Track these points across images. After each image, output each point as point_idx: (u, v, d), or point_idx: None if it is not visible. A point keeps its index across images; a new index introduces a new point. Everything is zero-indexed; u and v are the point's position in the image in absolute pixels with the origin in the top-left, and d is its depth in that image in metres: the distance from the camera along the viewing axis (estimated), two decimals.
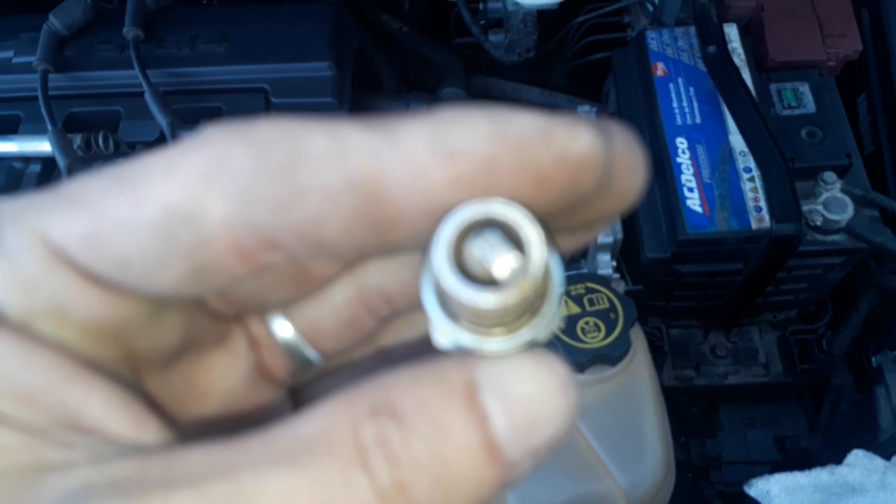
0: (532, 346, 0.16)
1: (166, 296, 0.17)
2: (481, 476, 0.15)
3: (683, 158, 0.87)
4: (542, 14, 1.06)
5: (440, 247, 0.15)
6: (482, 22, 1.10)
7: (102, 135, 0.82)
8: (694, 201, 0.84)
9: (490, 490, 0.15)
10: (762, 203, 0.83)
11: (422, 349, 0.22)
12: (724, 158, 0.87)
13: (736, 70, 0.89)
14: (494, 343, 0.16)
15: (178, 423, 0.19)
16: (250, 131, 0.16)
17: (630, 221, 0.90)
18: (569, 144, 0.15)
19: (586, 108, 0.95)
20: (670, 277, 0.91)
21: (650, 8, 1.06)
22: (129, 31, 0.87)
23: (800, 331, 1.01)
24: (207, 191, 0.15)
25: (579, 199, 0.16)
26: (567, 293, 0.70)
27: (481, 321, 0.16)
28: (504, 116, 0.15)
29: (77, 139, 0.82)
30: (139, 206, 0.16)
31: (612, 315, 0.69)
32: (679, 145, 0.88)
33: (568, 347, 0.67)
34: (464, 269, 0.15)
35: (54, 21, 0.89)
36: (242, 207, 0.15)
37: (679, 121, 0.90)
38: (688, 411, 1.10)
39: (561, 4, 0.97)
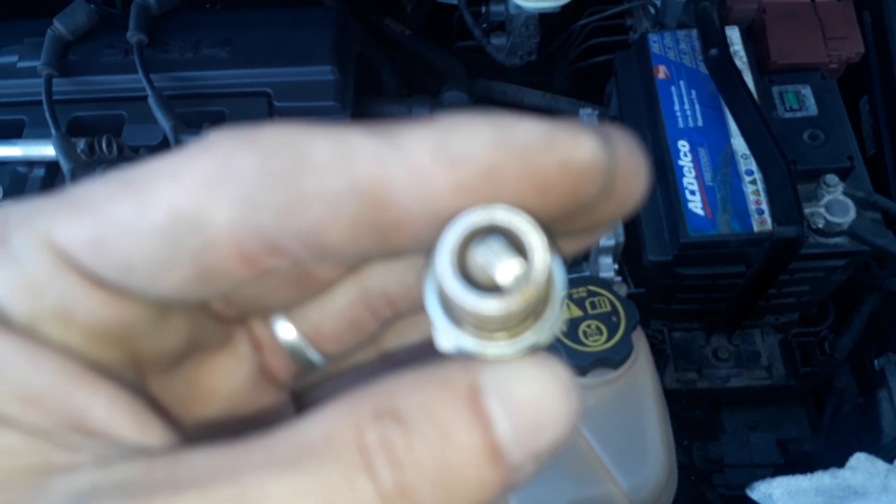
0: (535, 350, 0.16)
1: (171, 299, 0.17)
2: (484, 479, 0.15)
3: (685, 161, 0.87)
4: (544, 17, 1.06)
5: (444, 253, 0.15)
6: (484, 25, 1.10)
7: (106, 139, 0.82)
8: (696, 204, 0.84)
9: (493, 493, 0.15)
10: (764, 206, 0.83)
11: (425, 352, 0.22)
12: (725, 161, 0.87)
13: (738, 73, 0.89)
14: (497, 347, 0.16)
15: (182, 425, 0.19)
16: (255, 137, 0.16)
17: (632, 224, 0.90)
18: (571, 151, 0.15)
19: (588, 110, 0.95)
20: (672, 280, 0.91)
21: (652, 11, 1.06)
22: (132, 36, 0.87)
23: (802, 333, 1.00)
24: (212, 196, 0.16)
25: (582, 205, 0.16)
26: (569, 296, 0.70)
27: (484, 326, 0.16)
28: (507, 123, 0.15)
29: (81, 143, 0.82)
30: (144, 210, 0.16)
31: (614, 318, 0.69)
32: (681, 148, 0.88)
33: (570, 351, 0.67)
34: (467, 275, 0.16)
35: (58, 26, 0.89)
36: (246, 212, 0.16)
37: (681, 123, 0.90)
38: (690, 414, 1.10)
39: (563, 7, 0.97)
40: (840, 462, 0.71)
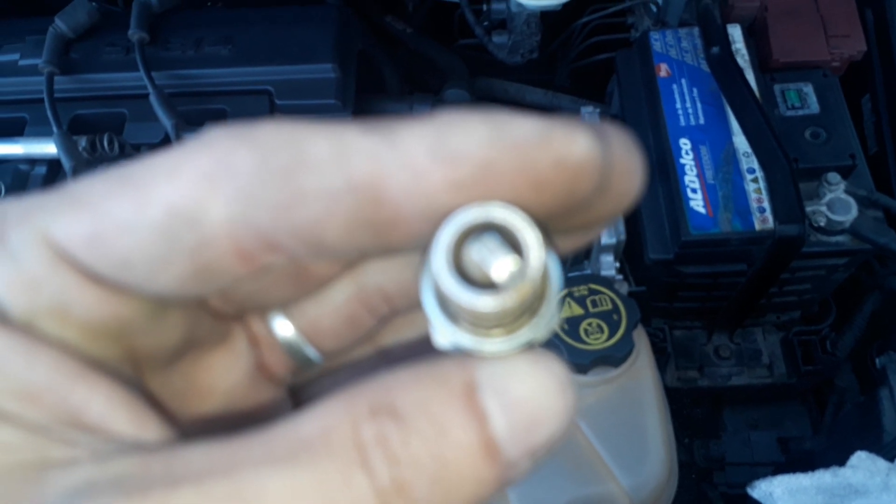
0: (531, 346, 0.16)
1: (168, 296, 0.17)
2: (480, 475, 0.15)
3: (687, 159, 0.87)
4: (545, 15, 1.06)
5: (439, 250, 0.15)
6: (486, 23, 1.10)
7: (107, 137, 0.82)
8: (697, 202, 0.84)
9: (489, 489, 0.15)
10: (766, 204, 0.83)
11: (421, 349, 0.22)
12: (727, 159, 0.87)
13: (739, 71, 0.89)
14: (493, 344, 0.16)
15: (179, 421, 0.19)
16: (253, 134, 0.16)
17: (633, 222, 0.90)
18: (567, 149, 0.15)
19: (590, 109, 0.95)
20: (673, 278, 0.91)
21: (654, 9, 1.06)
22: (134, 34, 0.87)
23: (803, 332, 1.00)
24: (210, 193, 0.16)
25: (578, 202, 0.16)
26: (570, 294, 0.70)
27: (480, 323, 0.16)
28: (503, 121, 0.15)
29: (82, 141, 0.82)
30: (142, 207, 0.16)
31: (615, 316, 0.69)
32: (682, 146, 0.88)
33: (571, 349, 0.67)
34: (463, 272, 0.16)
35: (60, 24, 0.89)
36: (244, 209, 0.16)
37: (682, 122, 0.90)
38: (691, 412, 1.10)
39: (564, 5, 0.97)
40: (841, 460, 0.71)
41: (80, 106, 0.89)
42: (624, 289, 0.80)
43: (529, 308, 0.16)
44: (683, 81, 0.93)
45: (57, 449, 0.16)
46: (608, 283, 0.71)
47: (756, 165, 0.85)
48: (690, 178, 0.86)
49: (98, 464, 0.15)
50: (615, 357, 0.68)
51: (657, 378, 0.73)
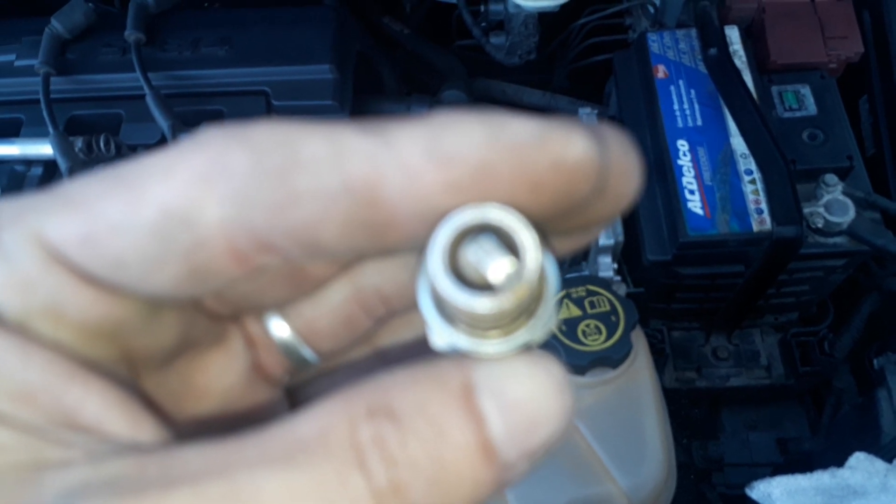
0: (528, 348, 0.16)
1: (163, 296, 0.17)
2: (477, 477, 0.15)
3: (684, 160, 0.87)
4: (543, 16, 1.06)
5: (436, 252, 0.15)
6: (483, 24, 1.10)
7: (104, 138, 0.82)
8: (695, 203, 0.84)
9: (486, 491, 0.15)
10: (763, 205, 0.83)
11: (418, 350, 0.22)
12: (725, 160, 0.87)
13: (737, 72, 0.89)
14: (491, 345, 0.16)
15: (174, 422, 0.19)
16: (247, 134, 0.16)
17: (631, 223, 0.90)
18: (564, 150, 0.15)
19: (587, 110, 0.95)
20: (671, 280, 0.91)
21: (651, 10, 1.06)
22: (130, 35, 0.87)
23: (801, 333, 1.00)
24: (204, 193, 0.15)
25: (575, 204, 0.16)
26: (568, 296, 0.70)
27: (477, 324, 0.16)
28: (499, 122, 0.15)
29: (78, 142, 0.82)
30: (135, 207, 0.16)
31: (613, 317, 0.69)
32: (680, 147, 0.88)
33: (569, 350, 0.67)
34: (459, 273, 0.16)
35: (56, 24, 0.89)
36: (239, 210, 0.16)
37: (680, 123, 0.90)
38: (689, 413, 1.10)
39: (562, 6, 0.97)
40: (839, 461, 0.71)
41: (77, 107, 0.89)
42: (622, 290, 0.80)
43: (526, 310, 0.16)
44: (681, 83, 0.93)
45: (52, 450, 0.16)
46: (606, 284, 0.71)
47: (754, 167, 0.85)
48: (688, 180, 0.86)
49: (93, 465, 0.15)
50: (613, 358, 0.68)
51: (655, 379, 0.73)
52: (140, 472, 0.15)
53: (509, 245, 0.15)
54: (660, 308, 1.00)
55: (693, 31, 0.97)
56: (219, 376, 0.21)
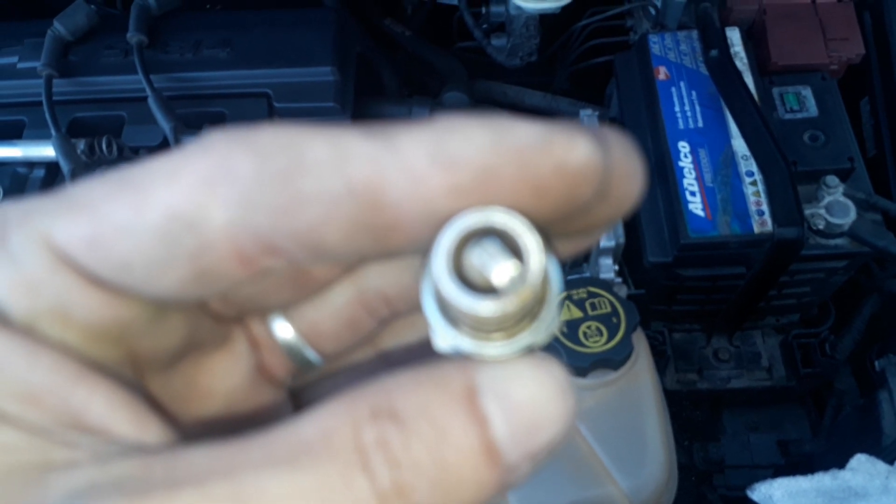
0: (531, 350, 0.16)
1: (168, 299, 0.17)
2: (480, 479, 0.15)
3: (686, 162, 0.87)
4: (544, 18, 1.07)
5: (440, 255, 0.16)
6: (484, 26, 1.10)
7: (106, 140, 0.82)
8: (696, 205, 0.84)
9: (489, 492, 0.15)
10: (764, 207, 0.83)
11: (422, 352, 0.22)
12: (726, 162, 0.87)
13: (738, 74, 0.89)
14: (494, 348, 0.16)
15: (180, 423, 0.19)
16: (252, 138, 0.16)
17: (632, 225, 0.90)
18: (567, 154, 0.15)
19: (588, 111, 0.95)
20: (672, 281, 0.91)
21: (653, 12, 1.06)
22: (132, 37, 0.87)
23: (803, 335, 1.00)
24: (209, 196, 0.16)
25: (578, 207, 0.16)
26: (569, 297, 0.70)
27: (481, 327, 0.16)
28: (503, 126, 0.15)
29: (81, 144, 0.82)
30: (141, 210, 0.16)
31: (615, 319, 0.69)
32: (681, 149, 0.88)
33: (570, 351, 0.67)
34: (463, 276, 0.16)
35: (59, 27, 0.89)
36: (243, 213, 0.16)
37: (681, 124, 0.90)
38: (691, 415, 1.10)
39: (563, 8, 0.97)
40: (840, 463, 0.71)
41: (79, 109, 0.89)
42: (623, 292, 0.80)
43: (530, 312, 0.16)
44: (682, 84, 0.93)
45: (58, 451, 0.16)
46: (607, 286, 0.71)
47: (755, 168, 0.85)
48: (689, 182, 0.86)
49: (99, 465, 0.16)
50: (614, 360, 0.68)
51: (656, 381, 0.73)
52: (146, 473, 0.15)
53: (513, 248, 0.16)
54: (661, 310, 1.00)
55: (694, 33, 0.97)
56: (223, 377, 0.21)
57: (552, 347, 0.68)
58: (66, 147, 0.81)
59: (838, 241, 0.86)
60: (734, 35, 0.95)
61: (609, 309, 0.69)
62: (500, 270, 0.15)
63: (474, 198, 0.15)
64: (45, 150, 0.84)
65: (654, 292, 0.95)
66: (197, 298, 0.18)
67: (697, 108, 0.91)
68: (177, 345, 0.19)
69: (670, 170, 0.87)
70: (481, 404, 0.15)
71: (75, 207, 0.16)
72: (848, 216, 0.84)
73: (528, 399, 0.15)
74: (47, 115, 0.82)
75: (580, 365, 0.67)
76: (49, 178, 0.87)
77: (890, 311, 0.99)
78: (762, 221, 0.83)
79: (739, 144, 0.87)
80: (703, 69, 0.93)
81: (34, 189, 0.87)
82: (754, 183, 0.85)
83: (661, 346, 1.01)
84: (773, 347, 1.04)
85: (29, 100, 0.88)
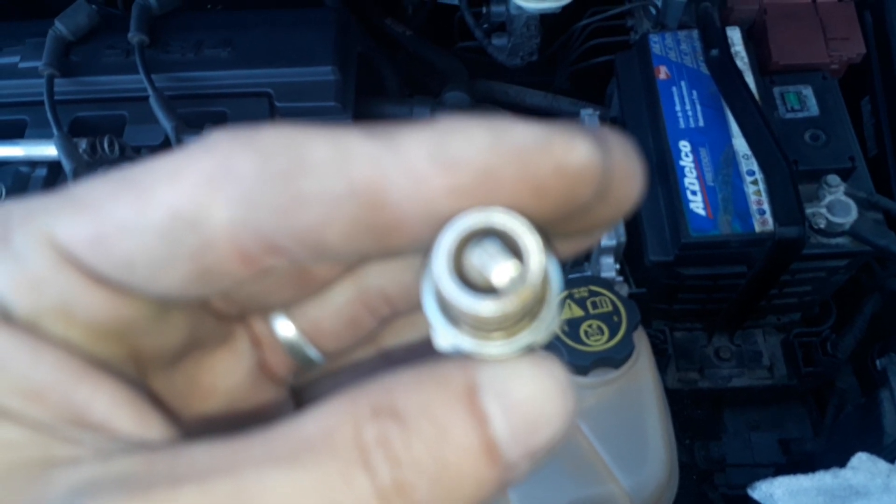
0: (531, 349, 0.16)
1: (171, 297, 0.17)
2: (481, 477, 0.15)
3: (686, 161, 0.87)
4: (544, 18, 1.07)
5: (440, 255, 0.16)
6: (485, 26, 1.10)
7: (108, 139, 0.82)
8: (697, 204, 0.85)
9: (489, 491, 0.16)
10: (765, 206, 0.83)
11: (423, 351, 0.22)
12: (727, 161, 0.87)
13: (739, 73, 0.89)
14: (494, 347, 0.16)
15: (182, 420, 0.19)
16: (254, 138, 0.16)
17: (633, 224, 0.90)
18: (567, 155, 0.15)
19: (589, 111, 0.95)
20: (674, 280, 0.91)
21: (653, 11, 1.06)
22: (134, 36, 0.87)
23: (804, 334, 1.00)
24: (211, 196, 0.16)
25: (578, 208, 0.16)
26: (570, 296, 0.70)
27: (481, 326, 0.16)
28: (503, 127, 0.15)
29: (82, 143, 0.82)
30: (144, 209, 0.16)
31: (616, 318, 0.69)
32: (682, 148, 0.88)
33: (571, 350, 0.67)
34: (464, 276, 0.16)
35: (60, 26, 0.89)
36: (246, 212, 0.16)
37: (682, 124, 0.90)
38: (692, 414, 1.10)
39: (564, 8, 0.97)
40: (842, 462, 0.71)
41: (81, 108, 0.89)
42: (624, 290, 0.80)
43: (530, 312, 0.16)
44: (683, 84, 0.93)
45: (61, 447, 0.16)
46: (608, 284, 0.71)
47: (756, 167, 0.85)
48: (690, 181, 0.86)
49: (101, 462, 0.16)
50: (615, 359, 0.68)
51: (657, 380, 0.73)
52: (148, 470, 0.15)
53: (513, 248, 0.16)
54: (662, 308, 1.00)
55: (695, 33, 0.97)
56: (225, 375, 0.21)
57: (553, 346, 0.68)
58: (67, 146, 0.81)
59: (839, 240, 0.86)
60: (735, 34, 0.95)
61: (610, 308, 0.69)
62: (501, 270, 0.16)
63: (475, 198, 0.15)
64: (47, 150, 0.84)
65: (655, 291, 0.95)
66: (199, 297, 0.18)
67: (698, 107, 0.91)
68: (179, 343, 0.19)
69: (671, 169, 0.87)
70: (482, 403, 0.15)
71: (78, 206, 0.16)
72: (849, 215, 0.84)
73: (528, 398, 0.16)
74: (49, 115, 0.82)
75: (581, 363, 0.67)
76: (51, 177, 0.87)
77: (891, 309, 0.99)
78: (763, 220, 0.83)
79: (740, 144, 0.87)
80: (704, 69, 0.93)
81: (36, 188, 0.87)
82: (755, 182, 0.85)
83: (663, 344, 1.01)
84: (774, 346, 1.04)
85: (31, 99, 0.88)
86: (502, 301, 0.15)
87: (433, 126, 0.15)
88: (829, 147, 0.89)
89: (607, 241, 0.83)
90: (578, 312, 0.69)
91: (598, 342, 0.68)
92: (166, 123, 0.83)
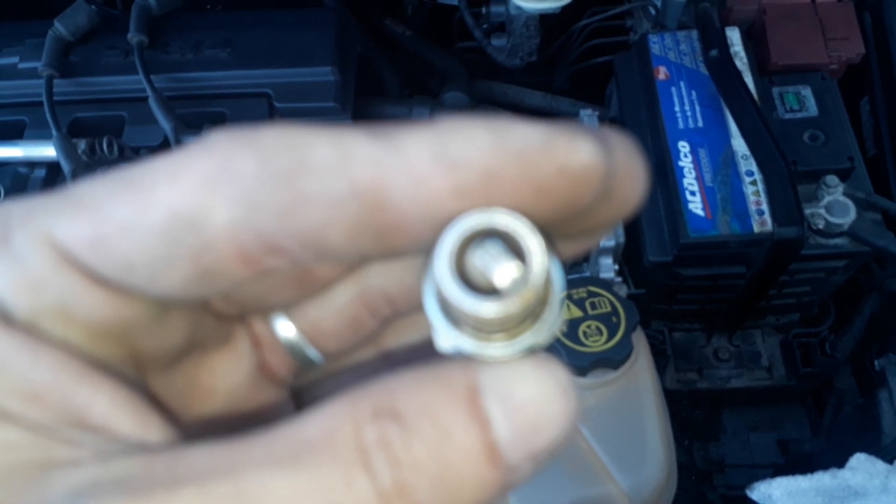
0: (533, 351, 0.16)
1: (171, 298, 0.17)
2: (482, 479, 0.15)
3: (685, 162, 0.87)
4: (544, 18, 1.07)
5: (442, 256, 0.16)
6: (485, 26, 1.10)
7: (107, 140, 0.82)
8: (696, 205, 0.85)
9: (490, 492, 0.15)
10: (764, 206, 0.84)
11: (424, 352, 0.22)
12: (726, 162, 0.87)
13: (738, 73, 0.89)
14: (496, 348, 0.16)
15: (182, 422, 0.19)
16: (255, 138, 0.16)
17: (632, 225, 0.90)
18: (569, 156, 0.15)
19: (589, 111, 0.95)
20: (672, 281, 0.91)
21: (652, 12, 1.06)
22: (133, 37, 0.87)
23: (803, 334, 1.00)
24: (212, 196, 0.16)
25: (580, 209, 0.16)
26: (569, 297, 0.70)
27: (483, 328, 0.16)
28: (505, 127, 0.15)
29: (82, 144, 0.82)
30: (144, 210, 0.16)
31: (615, 319, 0.69)
32: (681, 149, 0.88)
33: (570, 351, 0.67)
34: (465, 278, 0.16)
35: (59, 27, 0.89)
36: (246, 213, 0.16)
37: (681, 124, 0.90)
38: (691, 414, 1.10)
39: (563, 8, 0.97)
40: (840, 462, 0.71)
41: (80, 109, 0.89)
42: (623, 291, 0.80)
43: (532, 313, 0.16)
44: (682, 84, 0.93)
45: (60, 449, 0.16)
46: (607, 285, 0.71)
47: (755, 168, 0.85)
48: (689, 181, 0.86)
49: (101, 464, 0.16)
50: (614, 359, 0.68)
51: (656, 380, 0.73)
52: (148, 472, 0.15)
53: (515, 250, 0.16)
54: (661, 309, 1.00)
55: (694, 33, 0.97)
56: (225, 376, 0.21)
57: (552, 347, 0.68)
58: (67, 147, 0.81)
59: (838, 240, 0.86)
60: (734, 35, 0.95)
61: (609, 308, 0.69)
62: (503, 272, 0.15)
63: (477, 199, 0.15)
64: (46, 150, 0.84)
65: (653, 292, 0.95)
66: (199, 297, 0.18)
67: (697, 107, 0.91)
68: (179, 343, 0.19)
69: (670, 169, 0.87)
70: (483, 405, 0.15)
71: (78, 207, 0.16)
72: (848, 216, 0.84)
73: (530, 400, 0.15)
74: (48, 116, 0.82)
75: (580, 364, 0.67)
76: (50, 178, 0.87)
77: (890, 310, 0.99)
78: (762, 221, 0.83)
79: (739, 144, 0.87)
80: (703, 69, 0.93)
81: (35, 189, 0.87)
82: (754, 182, 0.85)
83: (661, 345, 1.01)
84: (773, 347, 1.04)
85: (30, 100, 0.88)
86: (504, 302, 0.15)
87: (434, 126, 0.15)
88: (827, 147, 0.89)
89: (606, 241, 0.83)
90: (577, 313, 0.69)
91: (597, 343, 0.68)
92: (165, 124, 0.83)
